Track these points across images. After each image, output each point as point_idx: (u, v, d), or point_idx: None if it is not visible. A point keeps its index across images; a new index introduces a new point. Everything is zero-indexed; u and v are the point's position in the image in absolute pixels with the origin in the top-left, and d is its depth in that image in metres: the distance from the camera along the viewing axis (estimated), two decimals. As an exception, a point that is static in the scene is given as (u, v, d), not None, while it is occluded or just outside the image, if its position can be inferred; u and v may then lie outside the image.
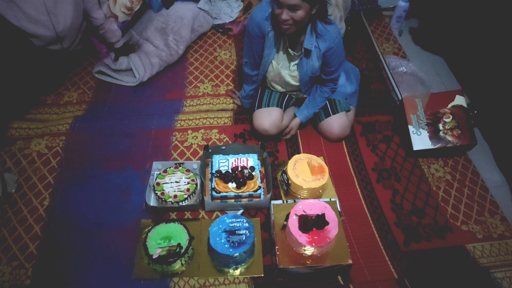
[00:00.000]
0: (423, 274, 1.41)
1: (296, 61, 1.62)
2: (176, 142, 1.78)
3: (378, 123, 1.92)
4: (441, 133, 1.73)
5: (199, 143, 1.79)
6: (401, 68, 2.20)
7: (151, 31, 2.15)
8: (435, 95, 1.81)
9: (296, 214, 1.33)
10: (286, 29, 1.43)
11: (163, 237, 1.38)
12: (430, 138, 1.73)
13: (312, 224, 1.29)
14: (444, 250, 1.48)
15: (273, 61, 1.64)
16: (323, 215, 1.31)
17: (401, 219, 1.57)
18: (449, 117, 1.74)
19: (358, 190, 1.66)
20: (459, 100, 1.76)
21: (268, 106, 1.75)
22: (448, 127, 1.73)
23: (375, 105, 2.01)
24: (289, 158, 1.71)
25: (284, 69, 1.66)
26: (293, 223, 1.31)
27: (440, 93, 1.81)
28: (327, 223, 1.31)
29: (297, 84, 1.70)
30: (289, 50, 1.59)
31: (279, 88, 1.77)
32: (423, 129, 1.75)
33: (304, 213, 1.32)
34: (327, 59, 1.58)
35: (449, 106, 1.76)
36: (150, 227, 1.42)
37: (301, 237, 1.28)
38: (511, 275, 1.42)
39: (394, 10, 2.52)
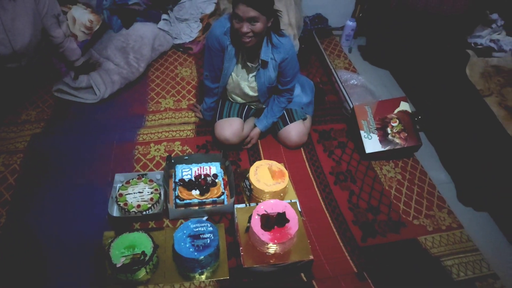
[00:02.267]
0: (381, 267, 1.49)
1: (254, 73, 1.72)
2: (138, 155, 1.80)
3: (333, 130, 2.05)
4: (389, 136, 1.87)
5: (162, 155, 1.81)
6: (352, 81, 2.37)
7: (111, 50, 2.19)
8: (383, 102, 1.96)
9: (258, 214, 1.39)
10: (247, 42, 1.53)
11: (126, 246, 1.38)
12: (380, 141, 1.87)
13: (273, 222, 1.35)
14: (398, 244, 1.58)
15: (232, 73, 1.72)
16: (284, 213, 1.37)
17: (358, 217, 1.66)
18: (396, 122, 1.89)
19: (317, 192, 1.74)
20: (404, 106, 1.92)
21: (229, 116, 1.82)
22: (396, 131, 1.87)
23: (330, 115, 2.14)
24: (251, 166, 1.78)
25: (243, 81, 1.75)
26: (255, 223, 1.36)
27: (387, 100, 1.97)
28: (288, 221, 1.37)
29: (256, 94, 1.79)
30: (247, 62, 1.69)
31: (239, 99, 1.85)
32: (373, 133, 1.88)
33: (265, 213, 1.38)
34: (283, 70, 1.69)
35: (395, 111, 1.92)
36: (113, 238, 1.41)
37: (264, 235, 1.33)
38: (458, 262, 1.53)
39: (343, 30, 2.73)
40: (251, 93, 1.79)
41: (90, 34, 2.16)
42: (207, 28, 2.51)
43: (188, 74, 2.31)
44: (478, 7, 1.98)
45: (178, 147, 1.86)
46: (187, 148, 1.86)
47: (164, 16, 2.43)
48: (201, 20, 2.53)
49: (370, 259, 1.51)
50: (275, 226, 1.35)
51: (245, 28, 1.48)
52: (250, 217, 1.42)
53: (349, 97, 2.12)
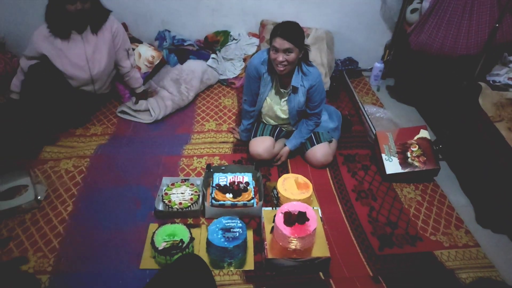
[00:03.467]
0: (395, 273, 1.60)
1: (286, 98, 2.00)
2: (183, 165, 2.08)
3: (358, 155, 2.23)
4: (409, 160, 2.02)
5: (203, 166, 2.08)
6: (378, 114, 2.58)
7: (167, 81, 2.58)
8: (404, 129, 2.14)
9: (281, 212, 1.58)
10: (281, 70, 1.82)
11: (168, 234, 1.61)
12: (400, 164, 2.02)
13: (294, 218, 1.53)
14: (414, 255, 1.68)
15: (267, 97, 2.01)
16: (304, 212, 1.56)
17: (376, 229, 1.79)
18: (415, 147, 2.05)
19: (339, 205, 1.91)
20: (423, 133, 2.09)
21: (262, 136, 2.08)
22: (415, 155, 2.03)
23: (356, 142, 2.33)
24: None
25: (276, 104, 2.03)
26: (279, 219, 1.55)
27: (408, 128, 2.15)
28: (308, 219, 1.54)
29: (287, 117, 2.05)
30: (280, 88, 1.98)
31: (271, 121, 2.12)
32: (394, 156, 2.04)
33: (288, 211, 1.57)
34: (311, 95, 1.95)
35: (415, 138, 2.08)
36: (157, 227, 1.66)
37: (286, 229, 1.51)
38: (473, 276, 1.60)
39: (372, 70, 2.98)
40: (282, 115, 2.05)
41: (151, 67, 2.57)
42: (248, 66, 2.87)
43: (230, 103, 2.64)
44: (495, 49, 2.16)
45: (217, 161, 2.13)
46: (225, 162, 2.12)
47: (213, 55, 2.83)
48: (244, 59, 2.90)
49: (386, 266, 1.62)
50: (296, 223, 1.53)
51: (281, 57, 1.78)
52: (275, 217, 1.62)
53: (373, 126, 2.32)
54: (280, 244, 1.56)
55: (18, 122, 2.17)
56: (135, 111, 2.42)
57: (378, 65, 2.91)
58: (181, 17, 2.80)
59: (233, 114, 2.54)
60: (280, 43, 1.75)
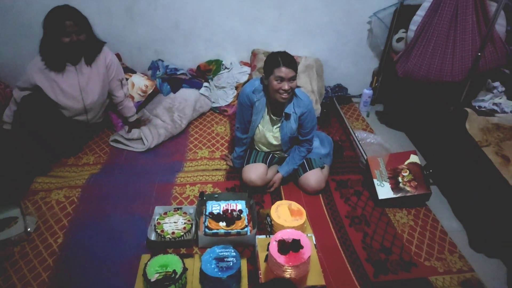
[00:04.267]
0: (391, 300, 1.58)
1: (278, 125, 2.03)
2: (175, 194, 2.08)
3: (350, 180, 2.24)
4: (401, 185, 2.04)
5: (195, 194, 2.08)
6: (369, 140, 2.61)
7: (160, 109, 2.61)
8: (394, 155, 2.17)
9: (275, 240, 1.57)
10: (285, 98, 1.85)
11: (160, 265, 1.58)
12: (392, 189, 2.04)
13: (289, 246, 1.52)
14: (409, 281, 1.67)
15: (259, 125, 2.04)
16: (299, 240, 1.55)
17: (370, 255, 1.78)
18: (406, 172, 2.08)
19: (333, 232, 1.90)
20: (414, 158, 2.12)
21: (255, 162, 2.09)
22: (406, 180, 2.05)
23: (348, 167, 2.36)
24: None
25: (268, 131, 2.05)
26: (273, 247, 1.54)
27: (398, 153, 2.18)
28: (302, 247, 1.53)
29: (279, 143, 2.08)
30: (272, 116, 2.01)
31: (264, 148, 2.14)
32: (386, 181, 2.07)
33: (282, 238, 1.56)
34: (302, 122, 1.99)
35: (406, 163, 2.11)
36: (150, 258, 1.63)
37: (280, 258, 1.49)
38: (470, 301, 1.59)
39: (361, 97, 3.05)
40: (274, 142, 2.08)
41: (145, 96, 2.60)
42: (240, 94, 2.92)
43: (223, 130, 2.66)
44: (479, 76, 2.24)
45: (210, 189, 2.12)
46: (218, 189, 2.12)
47: (205, 84, 2.87)
48: (236, 87, 2.96)
49: (381, 293, 1.61)
50: (291, 251, 1.52)
51: (287, 86, 1.82)
52: (269, 245, 1.61)
53: (364, 151, 2.35)
54: (275, 273, 1.54)
55: (10, 152, 2.15)
56: (128, 139, 2.43)
57: (367, 92, 2.98)
58: (174, 47, 2.86)
59: (226, 141, 2.56)
60: (286, 72, 1.79)
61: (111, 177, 2.15)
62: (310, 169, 2.09)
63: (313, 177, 2.08)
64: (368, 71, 3.19)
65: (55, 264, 1.65)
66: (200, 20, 2.76)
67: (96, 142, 2.47)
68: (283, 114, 1.97)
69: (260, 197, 2.08)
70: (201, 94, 2.82)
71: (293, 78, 1.82)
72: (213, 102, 2.89)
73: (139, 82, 2.58)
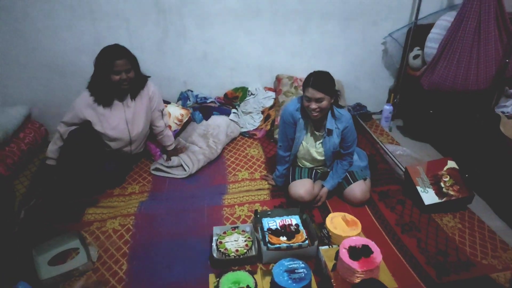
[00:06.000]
0: (461, 299, 1.62)
1: (321, 140, 2.12)
2: (226, 215, 2.12)
3: (390, 191, 2.32)
4: (444, 190, 2.12)
5: (246, 214, 2.12)
6: (398, 152, 2.72)
7: (195, 136, 2.69)
8: (431, 162, 2.26)
9: (345, 248, 1.62)
10: (315, 116, 1.96)
11: (233, 282, 1.61)
12: (436, 194, 2.11)
13: (360, 252, 1.57)
14: (473, 280, 1.71)
15: (303, 141, 2.13)
16: (367, 245, 1.60)
17: (429, 259, 1.83)
18: (447, 177, 2.16)
19: (388, 239, 1.95)
20: (451, 164, 2.21)
21: (301, 178, 2.16)
22: (448, 184, 2.13)
23: (384, 179, 2.43)
24: (323, 220, 2.04)
25: (311, 147, 2.14)
26: (344, 255, 1.58)
27: (435, 161, 2.27)
28: (372, 252, 1.58)
29: (322, 158, 2.16)
30: (315, 132, 2.10)
31: (307, 164, 2.22)
32: (429, 188, 2.14)
33: (352, 245, 1.61)
34: (344, 136, 2.08)
35: (445, 169, 2.20)
36: (220, 277, 1.65)
37: (353, 264, 1.54)
38: (536, 294, 1.63)
39: (382, 113, 3.18)
40: (318, 157, 2.16)
41: (180, 125, 2.69)
42: (267, 118, 3.03)
43: (256, 153, 2.74)
44: (499, 84, 2.39)
45: (258, 208, 2.17)
46: (266, 207, 2.17)
47: (234, 110, 2.98)
48: (262, 112, 3.07)
49: (449, 293, 1.65)
50: (362, 257, 1.57)
51: (313, 105, 1.93)
52: (336, 254, 1.65)
53: (399, 162, 2.44)
54: (347, 280, 1.57)
55: (57, 187, 2.19)
56: (169, 167, 2.48)
57: (388, 108, 3.11)
58: (201, 78, 2.99)
59: (262, 162, 2.63)
60: (312, 93, 1.90)
61: (161, 204, 2.19)
62: (354, 181, 2.17)
63: (358, 189, 2.15)
64: (385, 89, 3.35)
65: (125, 290, 1.66)
66: (227, 50, 2.91)
67: (137, 172, 2.52)
68: (326, 130, 2.07)
69: (308, 211, 2.14)
70: (231, 120, 2.92)
71: (321, 99, 1.91)
72: (242, 127, 2.99)
73: (175, 112, 2.67)
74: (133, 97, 2.25)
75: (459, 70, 2.26)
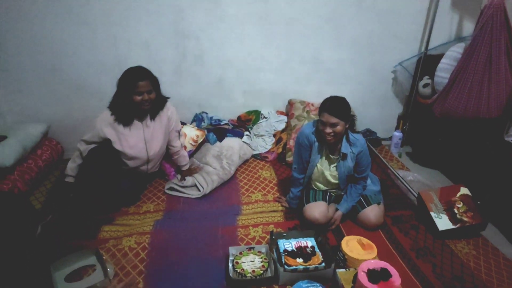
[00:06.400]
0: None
1: (335, 164, 2.15)
2: (241, 235, 2.13)
3: (403, 216, 2.33)
4: (457, 216, 2.13)
5: (260, 235, 2.13)
6: (409, 178, 2.74)
7: (209, 157, 2.73)
8: (444, 188, 2.29)
9: (363, 271, 1.62)
10: (330, 140, 2.01)
11: (251, 302, 1.61)
12: (450, 220, 2.13)
13: (379, 275, 1.58)
14: (491, 307, 1.71)
15: (317, 164, 2.16)
16: (386, 268, 1.61)
17: (446, 284, 1.82)
18: (460, 203, 2.18)
19: (403, 264, 1.95)
20: (464, 191, 2.24)
21: (315, 201, 2.18)
22: (462, 211, 2.15)
23: (396, 204, 2.45)
24: (338, 243, 2.05)
25: (326, 170, 2.17)
26: (363, 278, 1.59)
27: (448, 187, 2.30)
28: (391, 275, 1.59)
29: (336, 182, 2.19)
30: (330, 155, 2.15)
31: (322, 186, 2.24)
32: (443, 213, 2.16)
33: (371, 268, 1.62)
34: (359, 160, 2.12)
35: (458, 195, 2.22)
36: (237, 297, 1.65)
37: (373, 287, 1.54)
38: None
39: (392, 139, 3.23)
40: (332, 180, 2.19)
41: (195, 146, 2.74)
42: (279, 141, 3.08)
43: (269, 175, 2.78)
44: (510, 112, 2.45)
45: (273, 229, 2.18)
46: (280, 229, 2.18)
47: (246, 132, 3.04)
48: (274, 135, 3.12)
49: (468, 320, 1.63)
50: (381, 280, 1.57)
51: (328, 130, 1.98)
52: (354, 278, 1.66)
53: (411, 188, 2.47)
54: (366, 303, 1.57)
55: (74, 204, 2.21)
56: (183, 187, 2.51)
57: (397, 134, 3.17)
58: (216, 100, 3.07)
59: (275, 184, 2.66)
60: (327, 117, 1.96)
61: (176, 223, 2.21)
62: (368, 205, 2.19)
63: (372, 213, 2.17)
64: (393, 116, 3.42)
65: (142, 308, 1.66)
66: (241, 75, 3.00)
67: (151, 191, 2.54)
68: (340, 154, 2.11)
69: (323, 234, 2.14)
70: (244, 142, 2.97)
71: (335, 124, 1.96)
72: (254, 150, 3.03)
73: (191, 133, 2.73)
74: (153, 118, 2.31)
75: (470, 99, 2.33)
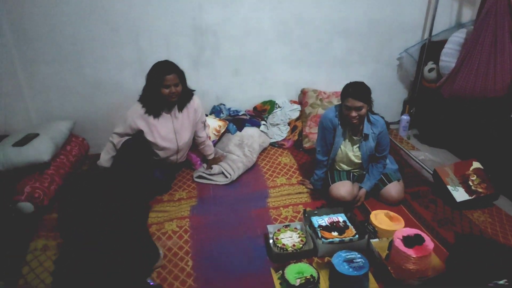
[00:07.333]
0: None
1: (358, 144, 2.30)
2: (274, 216, 2.26)
3: (421, 191, 2.50)
4: (472, 187, 2.31)
5: (292, 214, 2.27)
6: (421, 157, 2.91)
7: (231, 146, 2.85)
8: (458, 163, 2.46)
9: (399, 238, 1.77)
10: (355, 122, 2.16)
11: (297, 272, 1.75)
12: (467, 192, 2.30)
13: (413, 240, 1.73)
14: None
15: (341, 146, 2.31)
16: (420, 234, 1.76)
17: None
18: (474, 176, 2.36)
19: (427, 233, 2.11)
20: (476, 165, 2.41)
21: (340, 180, 2.33)
22: (476, 183, 2.32)
23: (412, 181, 2.62)
24: (365, 219, 2.20)
25: (349, 151, 2.32)
26: (399, 244, 1.74)
27: (461, 162, 2.47)
28: (424, 240, 1.74)
29: (359, 162, 2.34)
30: (353, 137, 2.29)
31: (345, 167, 2.39)
32: (459, 186, 2.33)
33: (406, 235, 1.77)
34: (380, 140, 2.27)
35: (471, 169, 2.40)
36: (283, 268, 1.79)
37: (409, 251, 1.69)
38: None
39: (400, 123, 3.40)
40: (356, 160, 2.34)
41: (218, 136, 2.86)
42: (294, 129, 3.21)
43: (288, 161, 2.91)
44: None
45: (302, 209, 2.32)
46: (309, 209, 2.32)
47: (263, 122, 3.17)
48: (289, 123, 3.26)
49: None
50: (416, 245, 1.73)
51: (353, 113, 2.12)
52: (389, 245, 1.81)
53: (426, 165, 2.64)
54: (403, 267, 1.72)
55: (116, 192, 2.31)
56: (211, 174, 2.63)
57: (405, 118, 3.34)
58: (232, 92, 3.18)
59: (296, 169, 2.80)
60: (352, 102, 2.10)
61: (210, 207, 2.33)
62: (389, 182, 2.34)
63: (394, 189, 2.33)
64: (399, 101, 3.58)
65: (196, 283, 1.78)
66: (256, 66, 3.12)
67: (180, 180, 2.65)
68: (363, 135, 2.26)
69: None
70: (261, 131, 3.10)
71: (360, 108, 2.11)
72: (271, 138, 3.16)
73: (213, 123, 2.84)
74: (180, 109, 2.42)
75: (478, 79, 2.50)
